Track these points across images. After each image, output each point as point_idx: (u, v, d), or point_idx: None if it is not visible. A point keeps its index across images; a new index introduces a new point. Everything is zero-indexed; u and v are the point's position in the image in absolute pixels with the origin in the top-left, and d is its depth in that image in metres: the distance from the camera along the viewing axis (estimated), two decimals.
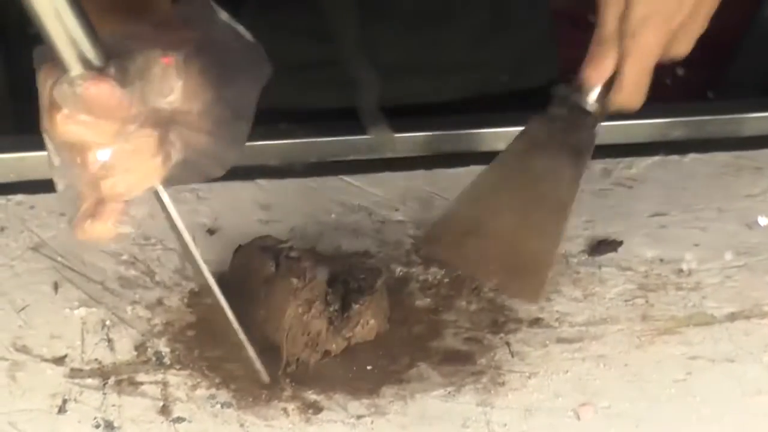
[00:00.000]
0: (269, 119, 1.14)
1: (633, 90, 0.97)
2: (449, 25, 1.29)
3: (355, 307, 0.97)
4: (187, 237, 0.90)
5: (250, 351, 0.94)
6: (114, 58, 0.80)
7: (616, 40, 0.96)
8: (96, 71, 0.79)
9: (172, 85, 0.83)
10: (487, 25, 1.31)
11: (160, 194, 0.87)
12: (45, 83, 0.81)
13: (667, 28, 0.94)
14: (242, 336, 0.93)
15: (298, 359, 0.97)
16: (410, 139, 1.26)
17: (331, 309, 0.97)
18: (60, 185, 0.85)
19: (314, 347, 0.97)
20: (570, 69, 1.01)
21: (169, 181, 0.87)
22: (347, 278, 0.99)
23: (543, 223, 1.00)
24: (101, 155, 0.81)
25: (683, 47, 0.96)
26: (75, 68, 0.79)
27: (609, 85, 0.97)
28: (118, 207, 0.85)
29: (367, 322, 0.98)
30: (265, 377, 0.95)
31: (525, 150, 1.02)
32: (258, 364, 0.94)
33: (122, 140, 0.81)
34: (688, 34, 0.96)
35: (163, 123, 0.83)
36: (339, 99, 1.25)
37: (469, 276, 1.05)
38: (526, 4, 1.35)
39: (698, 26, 0.96)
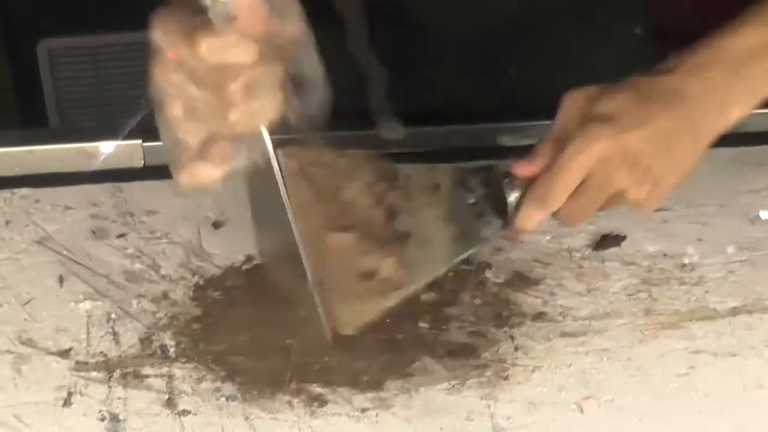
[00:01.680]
0: None
1: (525, 218, 0.96)
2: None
3: None
4: (281, 181, 0.91)
5: (319, 305, 0.94)
6: None
7: (560, 140, 0.95)
8: None
9: (295, 9, 0.88)
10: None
11: (265, 137, 0.89)
12: (168, 23, 0.84)
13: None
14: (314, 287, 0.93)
15: None
16: (415, 134, 1.26)
17: None
18: (167, 139, 0.88)
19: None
20: None
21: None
22: None
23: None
24: (242, 78, 0.84)
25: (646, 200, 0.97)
26: None
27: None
28: (224, 147, 0.86)
29: None
30: (329, 335, 0.95)
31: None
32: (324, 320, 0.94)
33: (259, 63, 0.84)
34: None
35: (281, 54, 0.87)
36: (349, 97, 1.25)
37: None
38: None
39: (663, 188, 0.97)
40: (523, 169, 0.96)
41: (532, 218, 0.96)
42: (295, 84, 0.91)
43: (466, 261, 1.08)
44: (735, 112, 0.97)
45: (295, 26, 0.88)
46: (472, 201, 0.99)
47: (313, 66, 0.92)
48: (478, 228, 0.98)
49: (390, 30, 1.26)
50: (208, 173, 0.87)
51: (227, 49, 0.83)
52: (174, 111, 0.86)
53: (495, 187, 0.98)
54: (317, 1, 1.06)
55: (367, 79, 1.25)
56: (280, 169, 0.91)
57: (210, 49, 0.83)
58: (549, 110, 0.98)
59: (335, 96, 1.23)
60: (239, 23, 0.83)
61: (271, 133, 0.89)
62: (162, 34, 0.84)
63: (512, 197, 0.96)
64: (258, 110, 0.86)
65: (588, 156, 0.92)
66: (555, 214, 0.96)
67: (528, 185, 0.96)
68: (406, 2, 1.26)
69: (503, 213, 0.97)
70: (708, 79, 0.95)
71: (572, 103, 0.96)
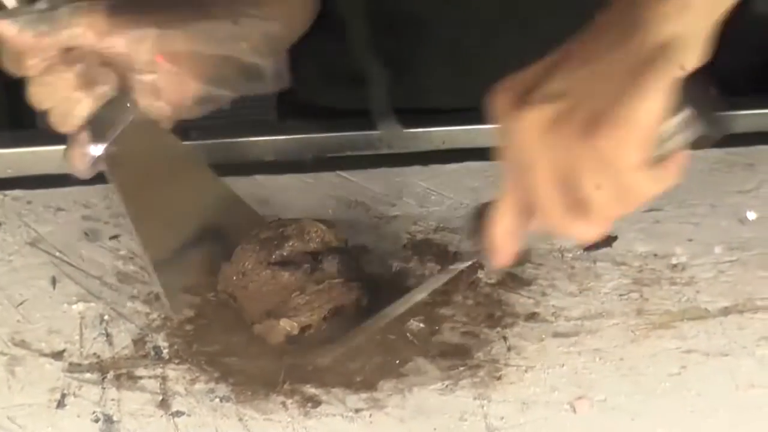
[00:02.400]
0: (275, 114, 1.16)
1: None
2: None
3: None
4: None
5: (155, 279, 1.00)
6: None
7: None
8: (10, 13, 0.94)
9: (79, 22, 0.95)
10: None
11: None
12: None
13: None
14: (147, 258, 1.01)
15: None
16: (410, 135, 1.27)
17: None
18: None
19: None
20: None
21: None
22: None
23: None
24: (30, 90, 0.97)
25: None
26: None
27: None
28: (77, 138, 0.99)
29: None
30: (169, 311, 1.00)
31: None
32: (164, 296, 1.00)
33: (45, 74, 0.96)
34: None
35: (89, 60, 0.96)
36: (347, 96, 1.26)
37: None
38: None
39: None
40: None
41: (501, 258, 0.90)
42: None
43: (458, 262, 1.09)
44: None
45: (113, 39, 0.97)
46: None
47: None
48: None
49: (390, 30, 1.27)
50: (71, 158, 1.01)
51: (16, 66, 0.96)
52: None
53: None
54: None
55: (367, 79, 1.26)
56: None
57: (5, 64, 0.97)
58: None
59: (336, 94, 1.24)
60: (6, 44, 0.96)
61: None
62: None
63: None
64: (61, 112, 0.98)
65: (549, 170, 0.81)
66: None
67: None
68: (406, 3, 1.26)
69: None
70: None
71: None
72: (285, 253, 0.99)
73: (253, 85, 1.03)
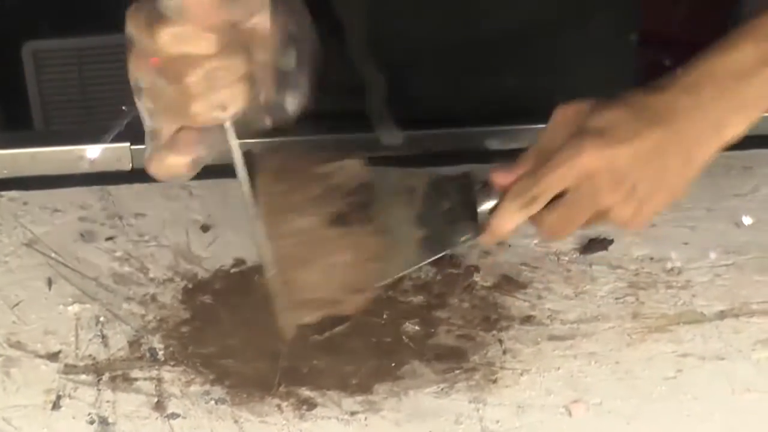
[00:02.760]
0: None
1: (495, 232, 0.95)
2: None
3: None
4: (244, 175, 0.92)
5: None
6: None
7: (544, 152, 0.93)
8: None
9: (260, 2, 0.88)
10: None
11: (228, 131, 0.89)
12: (138, 16, 0.85)
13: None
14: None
15: None
16: (408, 137, 1.27)
17: None
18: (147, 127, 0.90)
19: None
20: None
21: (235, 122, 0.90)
22: None
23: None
24: (200, 67, 0.84)
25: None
26: None
27: None
28: (192, 136, 0.88)
29: None
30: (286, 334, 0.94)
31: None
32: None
33: (217, 55, 0.84)
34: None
35: (246, 47, 0.87)
36: (345, 101, 1.26)
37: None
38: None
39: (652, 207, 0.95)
40: (500, 176, 0.95)
41: (508, 219, 0.94)
42: (273, 78, 0.93)
43: (454, 265, 1.09)
44: (729, 131, 0.95)
45: (260, 17, 0.89)
46: (447, 207, 0.98)
47: (289, 61, 0.94)
48: (450, 233, 0.98)
49: (389, 36, 1.27)
50: (173, 162, 0.89)
51: (183, 40, 0.83)
52: (145, 102, 0.88)
53: (471, 194, 0.97)
54: (317, 7, 1.07)
55: (366, 84, 1.26)
56: (251, 166, 0.92)
57: (165, 39, 0.83)
58: (544, 115, 0.98)
59: (334, 100, 1.24)
60: (189, 13, 0.83)
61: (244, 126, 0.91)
62: (131, 26, 0.86)
63: (484, 205, 0.95)
64: (219, 102, 0.86)
65: (573, 166, 0.91)
66: (537, 227, 0.95)
67: (502, 194, 0.94)
68: (404, 9, 1.26)
69: (476, 219, 0.96)
70: (700, 98, 0.94)
71: (562, 116, 0.94)
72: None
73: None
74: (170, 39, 0.83)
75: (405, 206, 0.98)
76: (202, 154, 0.90)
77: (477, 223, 0.96)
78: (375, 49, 1.26)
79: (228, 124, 0.88)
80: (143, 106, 0.89)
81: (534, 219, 0.94)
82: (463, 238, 0.97)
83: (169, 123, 0.88)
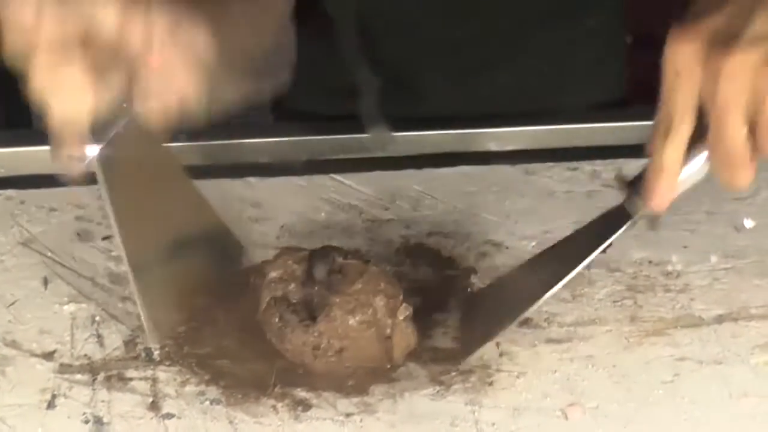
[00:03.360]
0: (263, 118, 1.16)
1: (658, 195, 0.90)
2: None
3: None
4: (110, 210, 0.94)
5: (141, 305, 0.96)
6: None
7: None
8: None
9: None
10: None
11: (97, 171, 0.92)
12: None
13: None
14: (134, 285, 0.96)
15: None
16: (404, 139, 1.27)
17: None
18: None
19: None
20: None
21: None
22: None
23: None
24: (37, 76, 0.85)
25: None
26: None
27: None
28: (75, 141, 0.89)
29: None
30: (152, 341, 0.97)
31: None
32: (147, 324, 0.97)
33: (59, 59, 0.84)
34: None
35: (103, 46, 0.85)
36: (337, 101, 1.26)
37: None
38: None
39: None
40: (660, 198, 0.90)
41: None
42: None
43: (451, 266, 1.09)
44: None
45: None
46: None
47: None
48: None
49: (380, 36, 1.27)
50: (63, 160, 0.90)
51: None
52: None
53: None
54: (309, 7, 1.06)
55: (358, 83, 1.26)
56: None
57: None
58: (534, 115, 0.98)
59: (325, 101, 1.24)
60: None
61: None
62: None
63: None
64: (63, 107, 0.87)
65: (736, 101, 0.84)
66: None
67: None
68: (396, 8, 1.26)
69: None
70: None
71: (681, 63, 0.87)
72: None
73: (259, 83, 0.99)
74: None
75: None
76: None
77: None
78: (366, 48, 1.26)
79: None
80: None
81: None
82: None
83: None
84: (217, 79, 0.91)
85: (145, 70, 0.87)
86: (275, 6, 0.98)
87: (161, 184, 1.01)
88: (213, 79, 0.90)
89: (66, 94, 0.86)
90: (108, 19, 0.84)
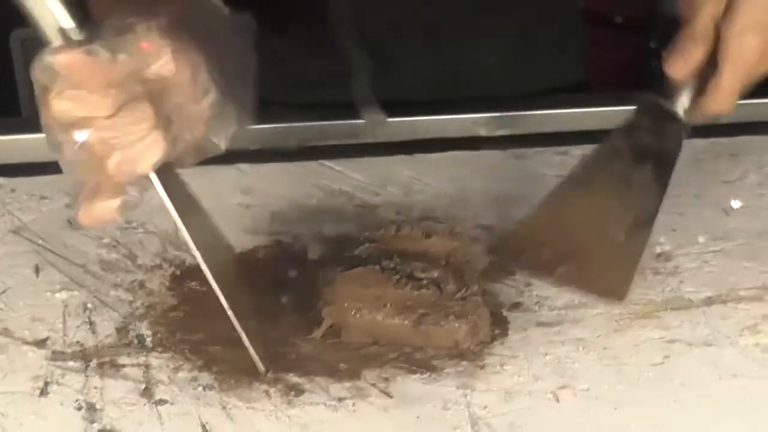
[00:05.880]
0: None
1: (728, 95, 0.97)
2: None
3: None
4: (178, 220, 0.90)
5: (246, 341, 0.93)
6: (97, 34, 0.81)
7: (708, 38, 0.96)
8: (75, 44, 0.80)
9: (158, 50, 0.83)
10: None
11: (153, 181, 0.87)
12: (39, 74, 0.82)
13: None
14: (237, 325, 0.93)
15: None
16: (394, 124, 1.27)
17: None
18: (69, 178, 0.86)
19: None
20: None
21: (171, 163, 0.88)
22: None
23: (624, 231, 1.00)
24: (99, 130, 0.81)
25: None
26: (55, 41, 0.79)
27: (696, 93, 0.99)
28: (117, 185, 0.85)
29: None
30: (261, 367, 0.95)
31: (607, 160, 1.02)
32: (254, 353, 0.94)
33: (118, 113, 0.81)
34: None
35: (157, 95, 0.84)
36: (333, 87, 1.26)
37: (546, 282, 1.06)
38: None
39: None
40: (677, 69, 0.98)
41: (725, 106, 0.99)
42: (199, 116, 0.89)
43: None
44: None
45: (162, 62, 0.84)
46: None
47: (211, 97, 0.89)
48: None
49: (373, 17, 1.27)
50: (102, 209, 0.86)
51: (76, 104, 0.81)
52: (64, 155, 0.85)
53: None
54: None
55: (352, 68, 1.26)
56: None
57: (56, 108, 0.81)
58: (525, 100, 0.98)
59: (318, 89, 1.24)
60: (73, 76, 0.80)
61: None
62: (36, 87, 0.83)
63: (677, 103, 0.99)
64: (131, 158, 0.84)
65: (744, 56, 0.95)
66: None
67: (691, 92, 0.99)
68: None
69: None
70: None
71: None
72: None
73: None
74: (59, 105, 0.81)
75: None
76: (132, 194, 0.87)
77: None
78: (359, 32, 1.26)
79: (151, 175, 0.86)
80: (61, 160, 0.86)
81: None
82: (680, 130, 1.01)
83: (92, 174, 0.85)
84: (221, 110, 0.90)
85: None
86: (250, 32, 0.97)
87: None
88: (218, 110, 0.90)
89: (132, 143, 0.83)
90: (161, 62, 0.84)
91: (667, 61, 0.98)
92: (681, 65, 0.98)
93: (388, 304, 0.96)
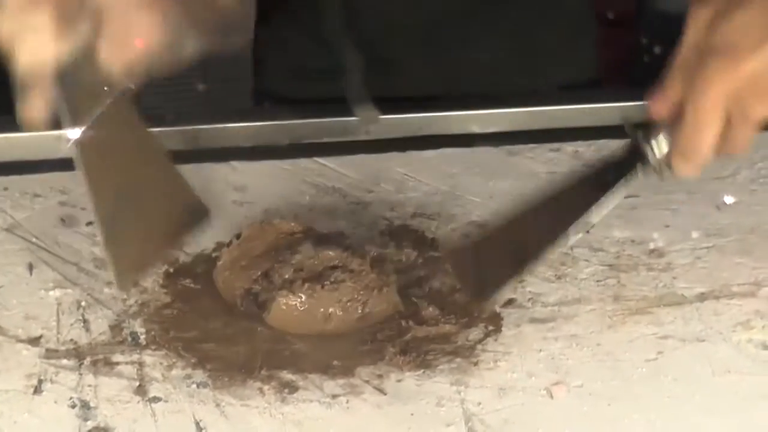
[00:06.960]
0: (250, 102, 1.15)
1: (690, 141, 0.90)
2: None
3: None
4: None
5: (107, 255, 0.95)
6: None
7: (687, 71, 0.90)
8: None
9: None
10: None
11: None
12: None
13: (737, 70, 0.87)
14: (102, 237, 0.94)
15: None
16: (387, 121, 1.27)
17: None
18: None
19: None
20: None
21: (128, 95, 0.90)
22: None
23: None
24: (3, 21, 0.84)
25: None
26: None
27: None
28: (35, 81, 0.86)
29: None
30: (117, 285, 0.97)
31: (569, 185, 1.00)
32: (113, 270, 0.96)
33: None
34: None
35: None
36: (323, 88, 1.26)
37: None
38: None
39: None
40: (658, 107, 0.91)
41: (686, 170, 0.92)
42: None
43: (435, 248, 1.09)
44: None
45: None
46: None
47: None
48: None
49: (365, 13, 1.27)
50: (28, 111, 0.87)
51: None
52: None
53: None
54: None
55: (343, 65, 1.26)
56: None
57: None
58: (516, 98, 0.98)
59: (311, 85, 1.24)
60: None
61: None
62: None
63: (654, 143, 0.93)
64: (32, 49, 0.85)
65: (713, 102, 0.87)
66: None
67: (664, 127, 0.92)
68: None
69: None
70: None
71: (694, 24, 0.90)
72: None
73: (220, 37, 0.97)
74: None
75: None
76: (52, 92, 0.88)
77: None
78: (351, 28, 1.26)
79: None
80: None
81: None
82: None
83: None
84: (179, 29, 0.90)
85: (109, 19, 0.86)
86: None
87: (141, 165, 1.00)
88: (175, 30, 0.89)
89: (32, 39, 0.85)
90: None
91: (648, 99, 0.93)
92: (659, 105, 0.92)
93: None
